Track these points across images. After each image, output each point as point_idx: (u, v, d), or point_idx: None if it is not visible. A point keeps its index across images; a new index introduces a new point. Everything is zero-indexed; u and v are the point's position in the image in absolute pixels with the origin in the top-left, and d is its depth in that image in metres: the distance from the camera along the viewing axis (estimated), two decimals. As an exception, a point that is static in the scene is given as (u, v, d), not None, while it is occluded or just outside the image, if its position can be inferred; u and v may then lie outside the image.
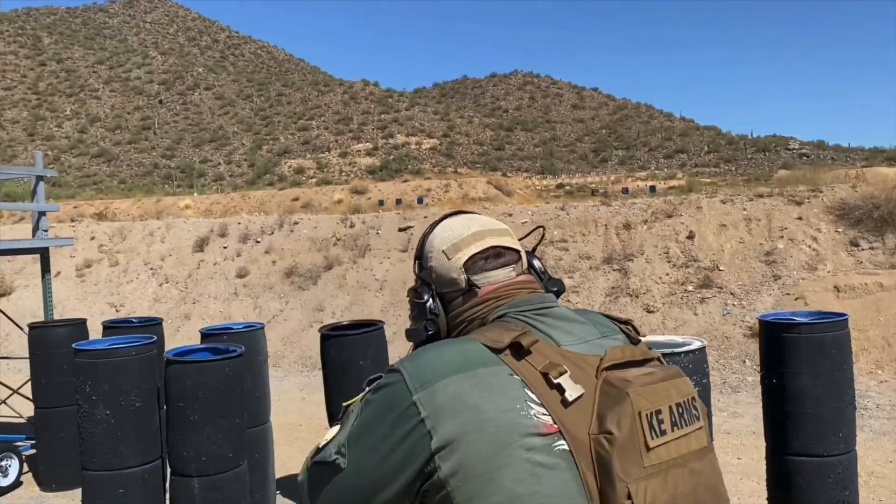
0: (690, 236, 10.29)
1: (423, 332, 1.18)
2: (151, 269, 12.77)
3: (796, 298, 8.80)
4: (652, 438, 0.96)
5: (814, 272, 9.17)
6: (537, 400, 0.97)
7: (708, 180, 36.38)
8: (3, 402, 6.88)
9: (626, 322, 1.15)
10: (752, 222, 10.26)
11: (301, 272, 12.01)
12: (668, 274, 9.86)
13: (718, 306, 9.11)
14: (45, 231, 6.81)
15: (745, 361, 8.17)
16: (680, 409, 1.01)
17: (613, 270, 10.11)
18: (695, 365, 3.56)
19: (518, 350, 1.02)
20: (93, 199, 32.17)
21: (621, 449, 0.94)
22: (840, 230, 9.61)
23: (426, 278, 1.22)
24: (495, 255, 1.19)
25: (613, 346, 1.06)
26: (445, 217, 1.27)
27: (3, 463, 5.78)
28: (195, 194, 36.38)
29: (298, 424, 7.46)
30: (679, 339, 4.05)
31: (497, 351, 1.02)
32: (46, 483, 5.81)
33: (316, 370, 9.91)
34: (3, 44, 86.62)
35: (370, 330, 4.89)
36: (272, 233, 13.10)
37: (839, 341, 3.74)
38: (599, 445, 0.94)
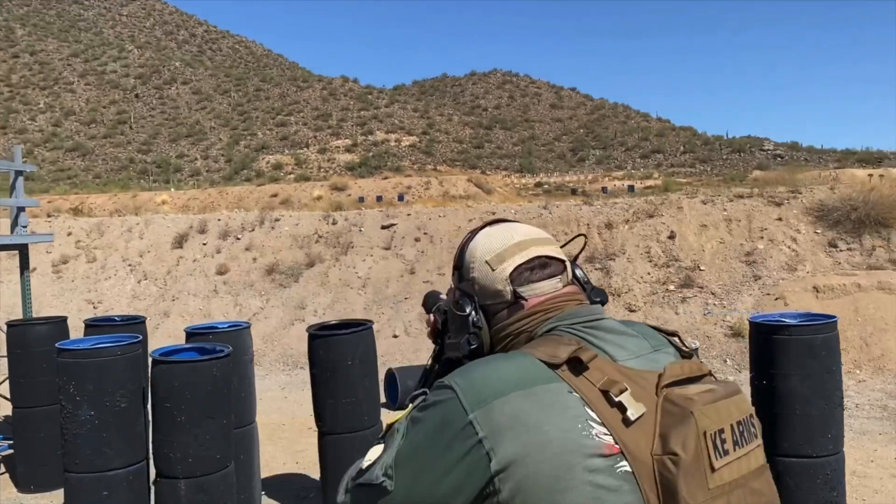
0: (671, 236, 10.35)
1: (466, 345, 1.14)
2: (130, 265, 12.61)
3: (776, 298, 8.89)
4: (716, 459, 0.93)
5: (793, 273, 9.27)
6: (598, 419, 0.93)
7: (684, 180, 36.66)
8: (-20, 401, 6.74)
9: (674, 334, 1.13)
10: (733, 223, 10.35)
11: (282, 270, 11.92)
12: (649, 273, 9.92)
13: (699, 306, 9.18)
14: (25, 227, 6.68)
15: (726, 361, 8.24)
16: (740, 428, 0.98)
17: (596, 269, 10.14)
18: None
19: (576, 366, 0.98)
20: (67, 194, 31.67)
21: (687, 471, 0.90)
22: (819, 231, 9.73)
23: (467, 290, 1.17)
24: (541, 266, 1.14)
25: (672, 362, 1.04)
26: (485, 226, 1.22)
27: (-20, 464, 5.67)
28: (172, 190, 35.99)
29: (281, 424, 7.40)
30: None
31: (554, 367, 0.98)
32: (24, 484, 5.71)
33: (298, 369, 9.85)
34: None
35: (359, 330, 4.85)
36: (253, 229, 12.99)
37: (828, 343, 3.77)
38: (664, 467, 0.91)
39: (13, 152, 6.91)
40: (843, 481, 3.81)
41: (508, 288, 1.13)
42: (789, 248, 9.64)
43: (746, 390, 4.24)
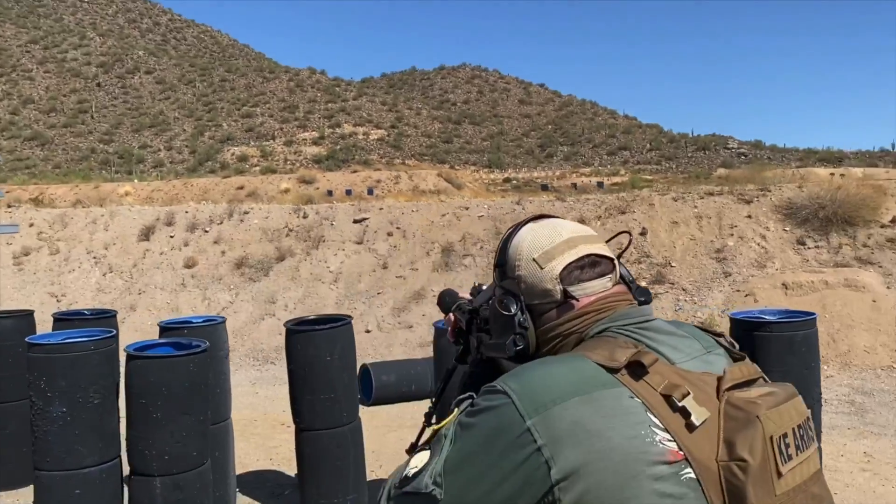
0: (643, 233, 10.44)
1: (513, 347, 1.09)
2: (94, 258, 12.33)
3: (746, 295, 9.01)
4: (782, 465, 0.90)
5: (763, 269, 9.41)
6: (660, 424, 0.90)
7: (650, 177, 37.09)
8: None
9: (720, 334, 1.10)
10: (703, 220, 10.46)
11: (252, 263, 11.76)
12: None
13: (671, 302, 9.27)
14: (-12, 218, 6.48)
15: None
16: (801, 431, 0.95)
17: (569, 265, 10.18)
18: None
19: (636, 370, 0.94)
20: (26, 184, 30.93)
21: (755, 477, 0.87)
22: (787, 229, 9.88)
23: (512, 288, 1.12)
24: (591, 264, 1.10)
25: (732, 365, 1.01)
26: (527, 222, 1.17)
27: (-57, 461, 5.49)
28: (135, 181, 35.38)
29: (253, 420, 7.30)
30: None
31: (612, 370, 0.94)
32: (-10, 482, 5.55)
33: (268, 364, 9.74)
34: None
35: (338, 325, 4.79)
36: (221, 222, 12.79)
37: (808, 340, 3.82)
38: (731, 474, 0.88)
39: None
40: (821, 476, 3.86)
41: (558, 287, 1.08)
42: (759, 245, 9.78)
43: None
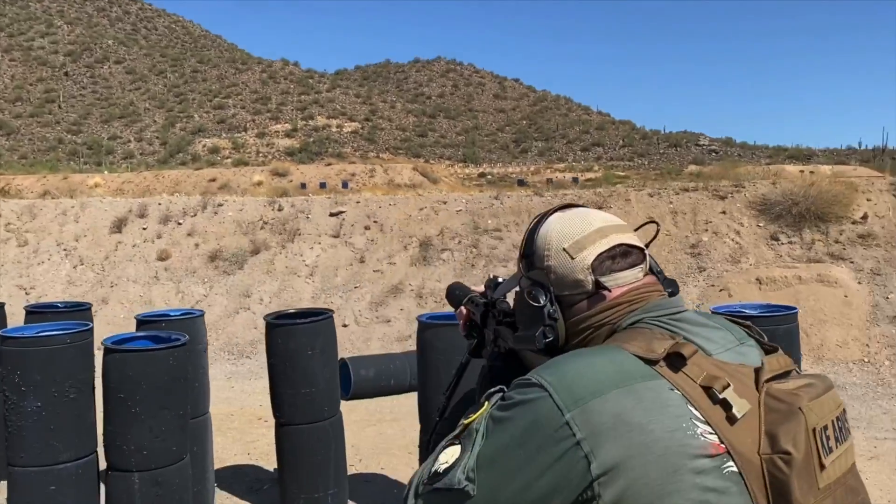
0: (620, 228, 10.49)
1: (542, 339, 1.07)
2: (65, 250, 12.11)
3: (720, 290, 9.10)
4: (825, 457, 0.89)
5: (737, 265, 9.51)
6: (701, 417, 0.88)
7: (623, 173, 37.36)
8: None
9: (748, 325, 1.08)
10: (678, 215, 10.55)
11: (226, 256, 11.63)
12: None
13: (647, 297, 9.33)
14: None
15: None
16: (839, 423, 0.95)
17: (546, 260, 10.21)
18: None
19: (675, 361, 0.92)
20: (-8, 175, 30.28)
21: (799, 470, 0.86)
22: (761, 225, 9.99)
23: (540, 279, 1.09)
24: (623, 254, 1.08)
25: (770, 357, 1.00)
26: (554, 211, 1.15)
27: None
28: (105, 172, 34.81)
29: (230, 414, 7.23)
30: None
31: (651, 362, 0.92)
32: (-41, 479, 5.42)
33: (244, 358, 9.65)
34: None
35: (319, 319, 4.74)
36: (195, 214, 12.63)
37: (790, 334, 3.86)
38: (774, 467, 0.87)
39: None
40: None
41: (590, 278, 1.06)
42: (733, 240, 9.88)
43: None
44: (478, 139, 62.53)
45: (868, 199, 9.78)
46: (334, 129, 63.72)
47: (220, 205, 12.78)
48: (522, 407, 0.93)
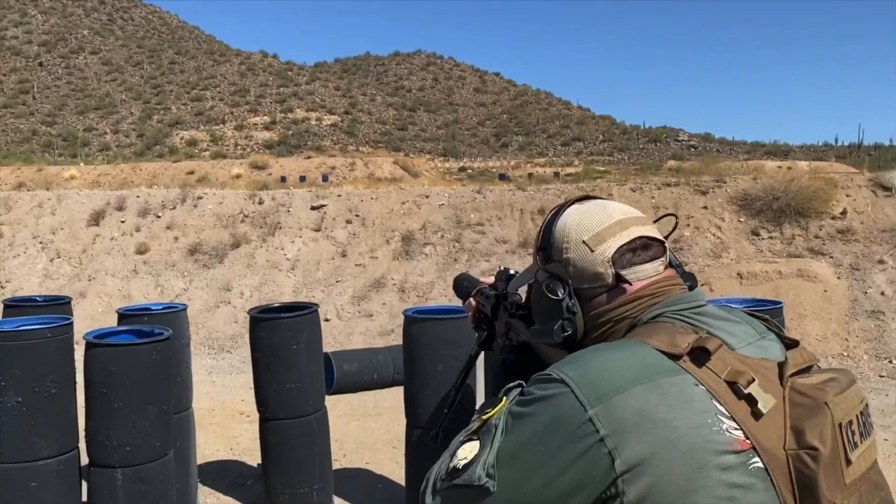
0: (602, 222, 10.53)
1: (560, 332, 1.04)
2: (41, 243, 11.92)
3: (702, 284, 9.14)
4: (850, 452, 0.88)
5: (718, 259, 9.58)
6: (726, 413, 0.87)
7: (603, 168, 37.53)
8: None
9: (765, 319, 1.07)
10: (661, 210, 10.60)
11: (206, 250, 11.51)
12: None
13: (629, 291, 9.38)
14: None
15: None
16: (863, 418, 0.94)
17: (529, 255, 10.20)
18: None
19: (699, 356, 0.91)
20: (-36, 166, 29.75)
21: (826, 466, 0.85)
22: (742, 220, 10.07)
23: (558, 272, 1.07)
24: (643, 247, 1.06)
25: (793, 351, 0.99)
26: (572, 203, 1.13)
27: None
28: (81, 164, 34.34)
29: (211, 409, 7.16)
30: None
31: (674, 357, 0.91)
32: (-65, 475, 5.31)
33: (224, 352, 9.57)
34: None
35: (304, 313, 4.70)
36: (174, 207, 12.49)
37: (775, 329, 3.89)
38: (801, 462, 0.86)
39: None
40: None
41: (610, 270, 1.04)
42: (714, 235, 9.95)
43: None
44: (458, 133, 62.50)
45: (847, 195, 9.90)
46: (314, 122, 63.40)
47: (200, 198, 12.65)
48: (543, 402, 0.91)
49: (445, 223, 10.99)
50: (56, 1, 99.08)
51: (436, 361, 4.24)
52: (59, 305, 5.32)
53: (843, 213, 9.62)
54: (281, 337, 4.59)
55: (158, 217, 12.26)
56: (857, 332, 8.18)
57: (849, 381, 0.95)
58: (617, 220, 1.07)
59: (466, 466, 0.93)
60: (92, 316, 9.99)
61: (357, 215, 11.62)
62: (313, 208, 11.92)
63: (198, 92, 69.63)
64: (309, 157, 30.44)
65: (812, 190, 9.71)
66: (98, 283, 11.03)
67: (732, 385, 0.89)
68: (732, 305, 3.60)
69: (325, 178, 24.77)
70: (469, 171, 41.65)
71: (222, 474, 5.39)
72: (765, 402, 0.88)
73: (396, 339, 9.22)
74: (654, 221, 1.14)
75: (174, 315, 4.87)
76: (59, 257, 11.62)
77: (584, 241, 1.06)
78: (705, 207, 10.41)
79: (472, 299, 1.47)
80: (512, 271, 1.36)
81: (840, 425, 0.88)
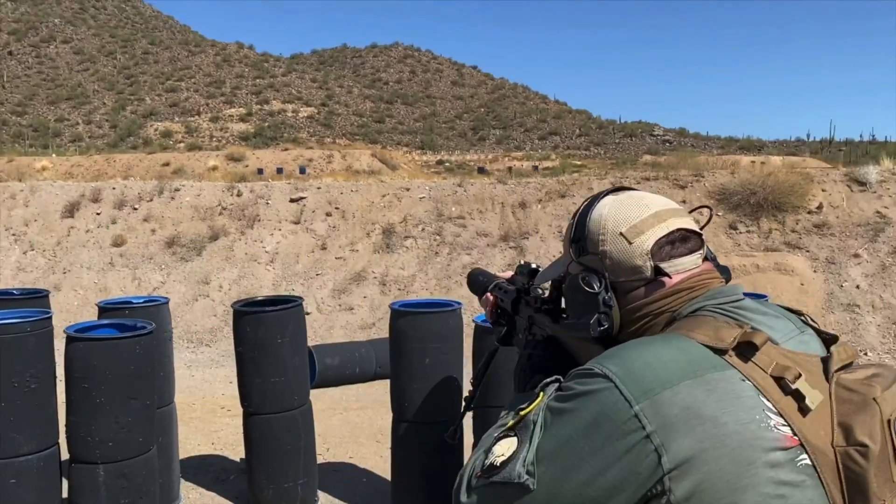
0: (583, 216, 10.56)
1: (597, 327, 1.02)
2: (14, 235, 11.70)
3: (681, 278, 9.24)
4: None
5: (697, 253, 9.66)
6: (773, 408, 0.86)
7: (579, 162, 37.72)
8: None
9: (800, 313, 1.06)
10: (640, 204, 10.66)
11: (184, 243, 11.38)
12: (560, 252, 10.08)
13: (609, 285, 9.42)
14: None
15: (635, 338, 8.51)
16: None
17: (510, 248, 10.23)
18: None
19: (745, 350, 0.89)
20: (-68, 157, 29.13)
21: (877, 463, 0.84)
22: (720, 214, 10.16)
23: (594, 265, 1.05)
24: (682, 240, 1.03)
25: (837, 346, 0.98)
26: (605, 194, 1.10)
27: None
28: (53, 155, 33.82)
29: (192, 403, 7.09)
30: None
31: (720, 351, 0.89)
32: None
33: (203, 346, 9.48)
34: None
35: (289, 307, 4.66)
36: (151, 199, 12.32)
37: (761, 322, 3.92)
38: (850, 460, 0.84)
39: None
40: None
41: (649, 263, 1.02)
42: (693, 229, 10.03)
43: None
44: (435, 126, 62.41)
45: (823, 190, 10.01)
46: (290, 114, 63.00)
47: (177, 190, 12.49)
48: (585, 398, 0.89)
49: (426, 216, 10.97)
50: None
51: (423, 355, 4.22)
52: (37, 299, 5.22)
53: (819, 207, 9.74)
54: (265, 331, 4.54)
55: (135, 209, 12.10)
56: (832, 326, 8.29)
57: (893, 377, 0.93)
58: (654, 211, 1.05)
59: (504, 463, 0.90)
60: (67, 309, 9.84)
61: (337, 208, 11.55)
62: (292, 201, 11.83)
63: (172, 83, 68.86)
64: (286, 149, 30.21)
65: (789, 185, 9.82)
66: (73, 275, 10.86)
67: (779, 380, 0.88)
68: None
69: (302, 171, 24.59)
70: (447, 164, 41.64)
71: (204, 469, 5.34)
72: (812, 398, 0.87)
73: (377, 333, 9.19)
74: (689, 212, 1.12)
75: (156, 308, 4.80)
76: (33, 249, 11.42)
77: (621, 233, 1.03)
78: (684, 201, 10.48)
79: (489, 294, 1.45)
80: (534, 265, 1.34)
81: (889, 421, 0.87)
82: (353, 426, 6.23)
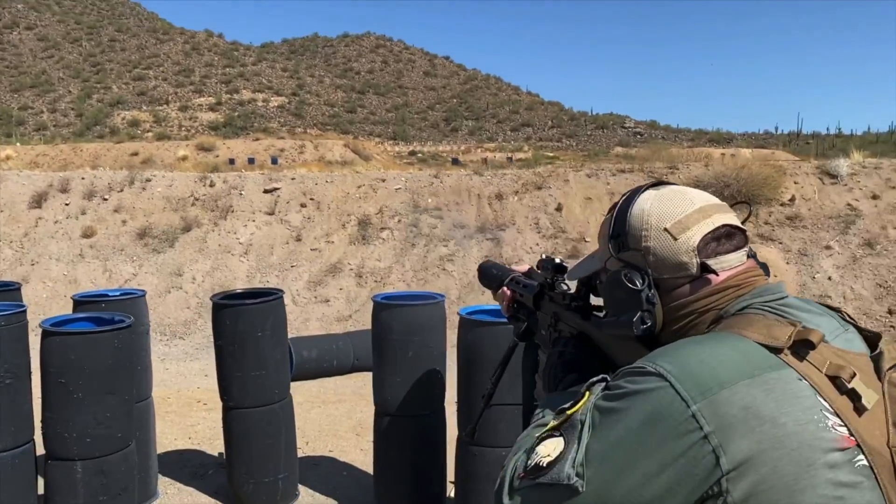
0: (559, 208, 10.59)
1: (640, 325, 0.99)
2: (-21, 225, 11.44)
3: (657, 270, 9.32)
4: None
5: (672, 245, 9.75)
6: (830, 408, 0.84)
7: (552, 154, 37.89)
8: None
9: (838, 310, 1.04)
10: (616, 196, 10.71)
11: (156, 234, 11.21)
12: (538, 244, 10.11)
13: (586, 276, 9.46)
14: None
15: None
16: None
17: (487, 240, 10.22)
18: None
19: (801, 349, 0.88)
20: None
21: None
22: (694, 206, 10.26)
23: (635, 261, 1.02)
24: (727, 236, 1.01)
25: (888, 344, 0.96)
26: (645, 188, 1.07)
27: None
28: (17, 144, 33.09)
29: (167, 397, 6.98)
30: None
31: (776, 350, 0.87)
32: None
33: (177, 339, 9.36)
34: None
35: (270, 299, 4.59)
36: (122, 190, 12.11)
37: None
38: None
39: None
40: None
41: (695, 260, 0.99)
42: (668, 221, 10.12)
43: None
44: (408, 117, 62.20)
45: (795, 182, 10.15)
46: (260, 104, 62.39)
47: (149, 180, 12.29)
48: (638, 397, 0.86)
49: (402, 207, 10.92)
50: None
51: (406, 348, 4.19)
52: (9, 292, 5.10)
53: (792, 199, 9.87)
54: (245, 324, 4.48)
55: (105, 199, 11.88)
56: (805, 316, 8.43)
57: None
58: (699, 206, 1.02)
59: (552, 464, 0.88)
60: (36, 302, 9.65)
61: (312, 199, 11.45)
62: (266, 191, 11.70)
63: (140, 71, 67.77)
64: (257, 139, 29.91)
65: (762, 177, 9.93)
66: (42, 267, 10.64)
67: (834, 379, 0.86)
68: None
69: (274, 161, 24.37)
70: (419, 154, 41.54)
71: (182, 464, 5.26)
72: (868, 398, 0.85)
73: (354, 325, 9.15)
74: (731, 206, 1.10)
75: (133, 301, 4.72)
76: (-1, 241, 11.18)
77: (666, 229, 1.01)
78: (659, 194, 10.57)
79: (505, 288, 1.42)
80: (558, 260, 1.31)
81: None
82: (332, 419, 6.19)
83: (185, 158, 25.51)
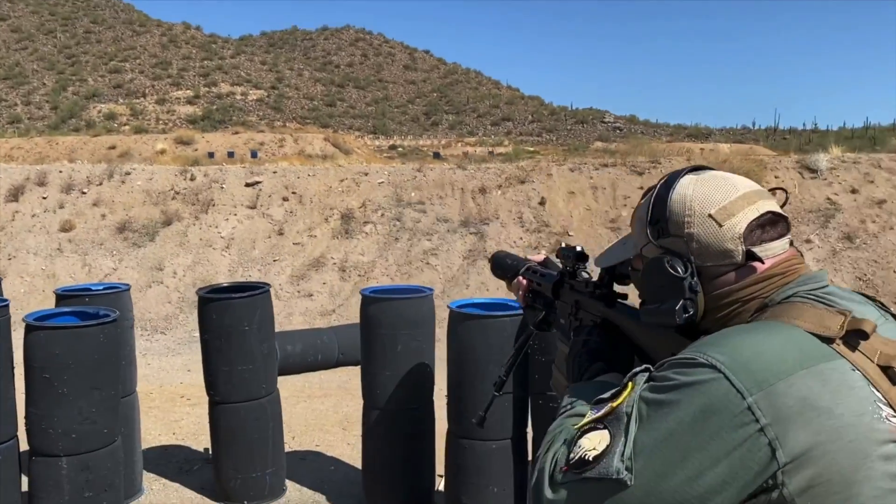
0: (542, 202, 10.61)
1: (682, 313, 0.96)
2: (-46, 219, 11.25)
3: (640, 264, 9.37)
4: None
5: (654, 239, 9.81)
6: (884, 399, 0.83)
7: (532, 148, 37.94)
8: None
9: (873, 298, 1.02)
10: (598, 190, 10.75)
11: (136, 228, 11.08)
12: (521, 238, 10.13)
13: (569, 270, 9.49)
14: None
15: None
16: None
17: (470, 234, 10.21)
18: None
19: (853, 339, 0.86)
20: None
21: None
22: (677, 200, 10.33)
23: (676, 248, 0.99)
24: (770, 223, 0.98)
25: None
26: (683, 173, 1.04)
27: None
28: (-9, 137, 32.55)
29: (149, 392, 6.91)
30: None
31: (827, 340, 0.86)
32: None
33: (158, 334, 9.27)
34: None
35: (256, 293, 4.56)
36: (101, 183, 11.95)
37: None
38: None
39: None
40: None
41: (741, 248, 0.96)
42: (650, 215, 10.18)
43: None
44: (388, 110, 61.99)
45: (776, 177, 10.24)
46: (239, 97, 61.87)
47: (128, 173, 12.14)
48: (690, 389, 0.84)
49: (386, 201, 10.88)
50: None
51: (395, 342, 4.17)
52: (-11, 286, 5.01)
53: (772, 192, 9.96)
54: (232, 318, 4.44)
55: (84, 193, 11.72)
56: (786, 309, 8.52)
57: None
58: (742, 192, 1.00)
59: (598, 458, 0.86)
60: (14, 296, 9.49)
61: (294, 192, 11.37)
62: (248, 185, 11.61)
63: (116, 63, 66.88)
64: (236, 133, 29.65)
65: (743, 172, 9.95)
66: (19, 261, 10.48)
67: (886, 369, 0.85)
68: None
69: (254, 155, 24.19)
70: (400, 148, 41.42)
71: (167, 459, 5.22)
72: None
73: (338, 320, 9.11)
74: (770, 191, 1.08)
75: (117, 296, 4.66)
76: (-25, 235, 11.00)
77: (710, 215, 0.98)
78: (642, 188, 10.61)
79: (521, 278, 1.41)
80: (578, 248, 1.29)
81: None
82: (318, 414, 6.16)
83: (163, 152, 25.23)
